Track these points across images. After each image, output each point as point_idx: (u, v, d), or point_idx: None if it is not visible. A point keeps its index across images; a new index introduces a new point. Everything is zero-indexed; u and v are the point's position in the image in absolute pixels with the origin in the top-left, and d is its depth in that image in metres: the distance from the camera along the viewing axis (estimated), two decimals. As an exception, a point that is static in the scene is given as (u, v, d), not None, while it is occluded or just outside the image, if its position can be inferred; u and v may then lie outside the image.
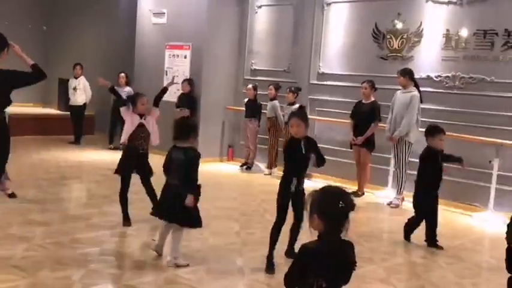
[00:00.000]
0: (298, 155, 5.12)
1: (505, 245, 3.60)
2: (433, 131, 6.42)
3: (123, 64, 12.44)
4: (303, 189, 5.15)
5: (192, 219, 5.02)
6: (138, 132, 6.14)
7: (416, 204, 6.45)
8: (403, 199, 8.40)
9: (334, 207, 2.65)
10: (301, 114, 5.29)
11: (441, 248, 6.28)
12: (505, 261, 3.40)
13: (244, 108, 10.73)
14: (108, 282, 4.63)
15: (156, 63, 11.81)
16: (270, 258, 5.11)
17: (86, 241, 5.60)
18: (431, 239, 6.34)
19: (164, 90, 6.84)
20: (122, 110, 6.27)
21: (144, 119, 6.19)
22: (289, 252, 5.33)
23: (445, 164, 6.50)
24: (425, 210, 6.36)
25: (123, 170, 6.17)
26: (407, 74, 8.28)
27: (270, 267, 5.06)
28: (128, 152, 6.20)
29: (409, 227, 6.48)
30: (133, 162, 6.17)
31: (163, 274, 4.85)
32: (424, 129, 8.18)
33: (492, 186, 7.91)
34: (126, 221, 6.21)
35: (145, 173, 6.29)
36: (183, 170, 4.92)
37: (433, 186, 6.33)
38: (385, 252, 6.14)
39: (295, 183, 5.12)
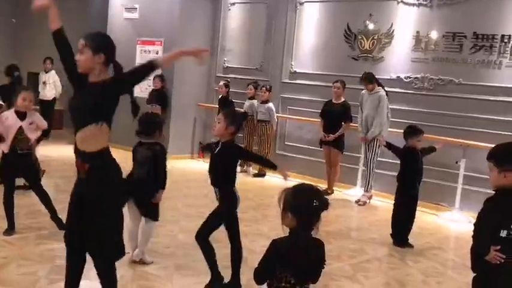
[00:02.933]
0: (211, 156, 4.52)
1: (470, 244, 3.67)
2: (417, 131, 6.50)
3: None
4: (224, 204, 4.56)
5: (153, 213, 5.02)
6: (15, 135, 5.47)
7: (396, 203, 6.54)
8: (370, 197, 8.51)
9: (308, 205, 2.69)
10: (227, 111, 4.77)
11: (411, 246, 6.39)
12: (470, 261, 3.46)
13: (216, 105, 10.73)
14: (75, 278, 4.58)
15: (127, 58, 11.60)
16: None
17: (53, 237, 5.53)
18: (403, 238, 6.42)
19: None
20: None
21: (28, 122, 5.51)
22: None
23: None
24: (403, 209, 6.44)
25: (3, 177, 5.64)
26: (369, 79, 8.33)
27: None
28: (6, 156, 5.53)
29: (396, 230, 6.49)
30: (13, 166, 5.54)
31: (132, 270, 4.82)
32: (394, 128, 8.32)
33: (458, 186, 8.06)
34: (10, 229, 5.54)
35: (30, 177, 5.74)
36: (149, 165, 4.89)
37: (412, 184, 6.47)
38: (353, 249, 6.20)
39: (216, 192, 4.57)
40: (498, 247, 3.21)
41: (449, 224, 7.81)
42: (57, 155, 10.40)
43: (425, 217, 8.07)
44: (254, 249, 5.46)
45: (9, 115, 5.51)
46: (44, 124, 5.73)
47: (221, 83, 10.63)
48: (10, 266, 4.63)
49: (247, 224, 6.26)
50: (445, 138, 8.17)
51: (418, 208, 8.19)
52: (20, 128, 5.46)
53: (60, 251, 5.12)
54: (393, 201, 6.64)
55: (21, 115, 5.48)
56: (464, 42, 8.36)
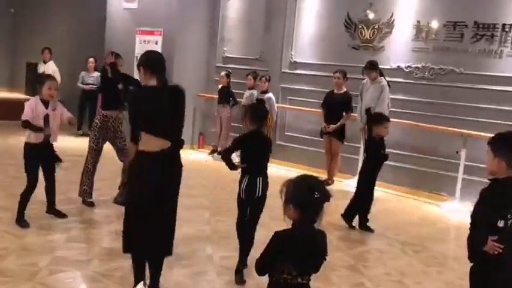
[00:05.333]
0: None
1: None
2: (382, 119, 6.52)
3: (93, 49, 12.25)
4: None
5: None
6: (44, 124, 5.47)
7: (360, 189, 6.63)
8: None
9: (310, 197, 2.67)
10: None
11: (372, 230, 6.46)
12: (467, 251, 3.46)
13: (217, 96, 10.70)
14: (75, 269, 4.58)
15: (126, 48, 11.62)
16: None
17: (53, 227, 5.54)
18: (364, 221, 6.55)
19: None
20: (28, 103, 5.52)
21: (52, 109, 5.54)
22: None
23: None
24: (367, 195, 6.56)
25: (29, 169, 5.54)
26: (374, 66, 8.30)
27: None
28: (32, 147, 5.49)
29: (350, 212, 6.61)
30: (37, 157, 5.54)
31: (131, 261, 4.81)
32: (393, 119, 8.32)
33: (459, 176, 8.04)
34: (22, 221, 5.51)
35: (50, 166, 5.71)
36: None
37: (375, 172, 6.55)
38: (353, 239, 6.21)
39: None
40: (495, 237, 3.20)
41: (450, 214, 7.79)
42: (55, 145, 10.35)
43: (426, 207, 8.07)
44: (255, 239, 5.45)
45: (37, 103, 5.50)
46: (67, 113, 5.82)
47: (222, 73, 10.57)
48: (10, 257, 4.63)
49: (247, 214, 6.25)
50: (446, 128, 8.16)
51: (418, 198, 8.31)
52: (47, 115, 5.49)
53: (61, 242, 5.13)
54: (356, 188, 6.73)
55: (45, 103, 5.52)
56: (465, 32, 8.31)
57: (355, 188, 6.76)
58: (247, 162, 4.64)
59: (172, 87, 4.21)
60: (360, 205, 6.60)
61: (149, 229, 3.92)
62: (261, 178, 4.63)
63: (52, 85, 5.55)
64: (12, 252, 4.73)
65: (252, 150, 4.68)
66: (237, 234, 4.82)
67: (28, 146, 5.52)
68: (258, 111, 4.92)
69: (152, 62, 4.15)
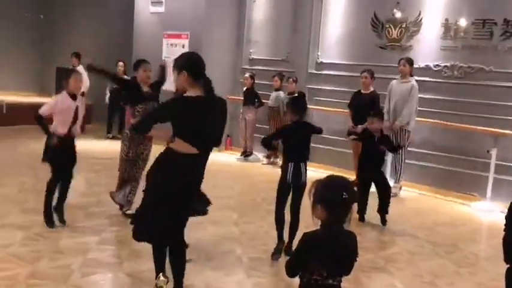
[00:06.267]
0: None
1: (503, 234, 3.61)
2: (369, 114, 6.95)
3: (121, 53, 12.39)
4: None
5: None
6: (74, 117, 5.62)
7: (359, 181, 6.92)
8: (401, 188, 8.43)
9: (338, 198, 2.66)
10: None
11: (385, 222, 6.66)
12: (503, 252, 3.41)
13: (242, 98, 10.74)
14: (107, 271, 4.65)
15: (154, 52, 11.75)
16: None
17: (85, 230, 5.61)
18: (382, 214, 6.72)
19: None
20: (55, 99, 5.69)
21: (78, 102, 5.68)
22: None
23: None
24: (365, 185, 6.79)
25: (54, 161, 5.61)
26: (412, 64, 8.27)
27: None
28: (60, 139, 5.56)
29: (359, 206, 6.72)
30: (63, 150, 5.59)
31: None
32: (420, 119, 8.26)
33: (490, 176, 7.92)
34: (49, 220, 5.60)
35: (72, 161, 5.75)
36: None
37: (369, 163, 6.80)
38: (383, 241, 6.16)
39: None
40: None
41: (481, 214, 7.69)
42: (86, 149, 10.50)
43: (457, 207, 7.98)
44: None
45: (64, 98, 5.62)
46: (83, 110, 5.91)
47: (247, 74, 10.61)
48: (43, 260, 4.70)
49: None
50: (476, 127, 8.06)
51: (448, 198, 8.19)
52: (77, 108, 5.63)
53: (93, 244, 5.20)
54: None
55: (73, 97, 5.65)
56: (494, 29, 8.19)
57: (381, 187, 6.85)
58: (291, 150, 5.10)
59: (220, 100, 4.17)
60: (388, 197, 6.77)
61: (170, 218, 3.82)
62: (303, 164, 5.07)
63: (78, 77, 5.72)
64: (46, 255, 4.81)
65: (296, 139, 5.11)
66: (276, 226, 5.12)
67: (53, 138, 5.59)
68: (299, 103, 5.35)
69: (198, 67, 4.01)
